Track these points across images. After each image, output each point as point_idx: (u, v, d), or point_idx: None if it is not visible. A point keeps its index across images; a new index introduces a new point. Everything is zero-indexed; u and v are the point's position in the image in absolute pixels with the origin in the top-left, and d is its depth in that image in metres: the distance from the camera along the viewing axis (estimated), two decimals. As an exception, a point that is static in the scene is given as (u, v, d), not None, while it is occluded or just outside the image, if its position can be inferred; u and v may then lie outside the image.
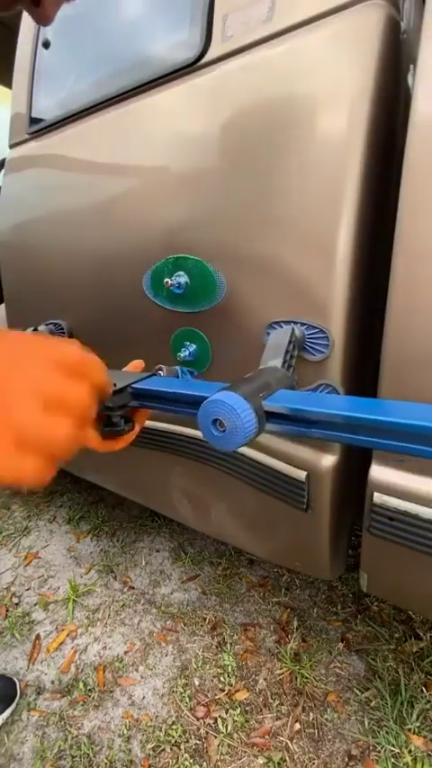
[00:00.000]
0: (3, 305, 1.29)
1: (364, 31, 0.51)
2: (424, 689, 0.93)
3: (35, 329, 0.96)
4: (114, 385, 0.42)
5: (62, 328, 0.99)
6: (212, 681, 0.99)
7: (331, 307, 0.57)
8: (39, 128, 1.01)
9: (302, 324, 0.60)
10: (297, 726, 0.89)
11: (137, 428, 0.47)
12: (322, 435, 0.35)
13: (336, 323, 0.57)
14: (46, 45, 0.99)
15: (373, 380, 0.56)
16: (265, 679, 0.99)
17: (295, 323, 0.60)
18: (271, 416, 0.37)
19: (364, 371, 0.64)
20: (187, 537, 1.43)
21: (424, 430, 0.30)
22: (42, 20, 0.44)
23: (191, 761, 0.85)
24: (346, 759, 0.84)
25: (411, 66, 0.57)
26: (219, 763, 0.84)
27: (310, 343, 0.59)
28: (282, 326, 0.61)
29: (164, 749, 0.87)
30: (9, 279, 1.18)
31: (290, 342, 0.55)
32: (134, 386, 0.44)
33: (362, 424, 0.33)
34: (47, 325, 1.00)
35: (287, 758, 0.84)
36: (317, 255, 0.56)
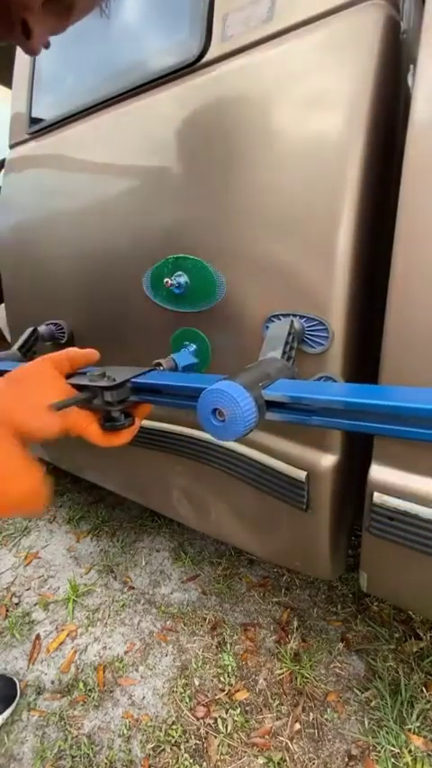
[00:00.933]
0: (3, 305, 1.29)
1: (364, 31, 0.51)
2: (424, 689, 0.93)
3: (35, 329, 0.96)
4: (113, 380, 0.42)
5: (62, 328, 0.99)
6: (212, 681, 0.99)
7: (331, 299, 0.57)
8: (39, 128, 1.01)
9: (302, 316, 0.59)
10: (297, 726, 0.89)
11: (137, 423, 0.47)
12: (323, 423, 0.35)
13: (335, 315, 0.57)
14: (46, 45, 0.99)
15: (374, 374, 0.57)
16: (265, 679, 0.99)
17: (294, 315, 0.60)
18: (271, 405, 0.37)
19: (364, 364, 0.64)
20: (187, 537, 1.43)
21: (424, 413, 0.29)
22: (31, 53, 0.46)
23: (191, 761, 0.85)
24: (346, 759, 0.83)
25: (411, 67, 0.57)
26: (219, 763, 0.84)
27: (310, 335, 0.59)
28: (280, 319, 0.61)
29: (164, 749, 0.87)
30: (9, 279, 1.18)
31: (289, 333, 0.55)
32: (133, 380, 0.44)
33: (362, 409, 0.32)
34: (47, 325, 1.00)
35: (287, 758, 0.84)
36: (318, 251, 0.56)
